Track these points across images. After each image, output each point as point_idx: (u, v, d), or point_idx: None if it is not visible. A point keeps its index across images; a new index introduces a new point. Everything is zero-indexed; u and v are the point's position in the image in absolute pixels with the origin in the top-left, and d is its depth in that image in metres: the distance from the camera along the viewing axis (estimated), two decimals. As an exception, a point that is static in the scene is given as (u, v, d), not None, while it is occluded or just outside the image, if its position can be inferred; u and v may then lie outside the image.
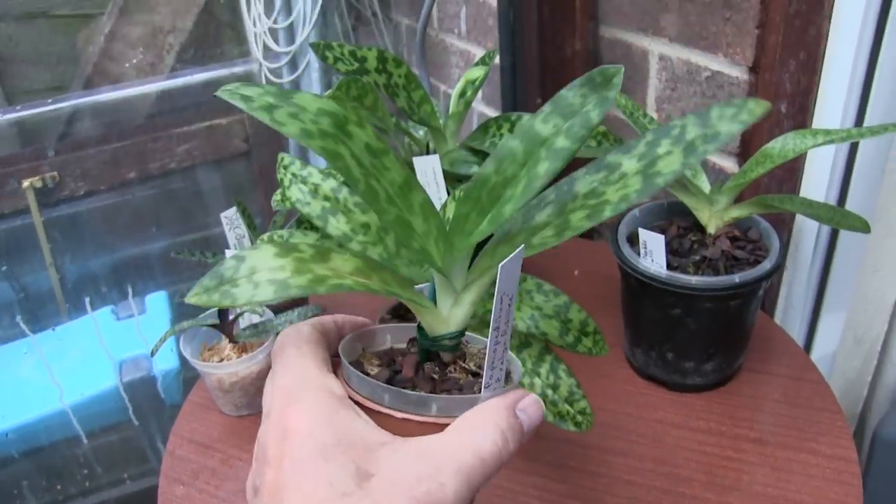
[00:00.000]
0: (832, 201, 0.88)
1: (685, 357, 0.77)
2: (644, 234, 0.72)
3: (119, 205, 1.55)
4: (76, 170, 1.53)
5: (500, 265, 0.36)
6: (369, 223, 0.74)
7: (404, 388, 0.41)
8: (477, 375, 0.43)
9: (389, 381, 0.42)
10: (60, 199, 1.53)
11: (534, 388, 0.60)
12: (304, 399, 0.38)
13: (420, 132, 0.93)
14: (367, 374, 0.42)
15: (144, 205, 1.56)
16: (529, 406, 0.39)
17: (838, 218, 0.77)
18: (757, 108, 0.39)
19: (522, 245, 0.38)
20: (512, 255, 0.37)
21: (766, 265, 0.72)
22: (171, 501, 0.73)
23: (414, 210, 0.42)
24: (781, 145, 0.74)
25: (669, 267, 0.73)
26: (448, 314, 0.44)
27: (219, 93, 0.39)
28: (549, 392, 0.61)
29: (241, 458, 0.78)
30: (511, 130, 0.82)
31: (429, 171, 0.81)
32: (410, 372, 0.43)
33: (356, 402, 0.40)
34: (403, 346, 0.47)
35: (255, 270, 0.38)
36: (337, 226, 0.73)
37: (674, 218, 0.81)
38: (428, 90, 1.34)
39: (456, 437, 0.37)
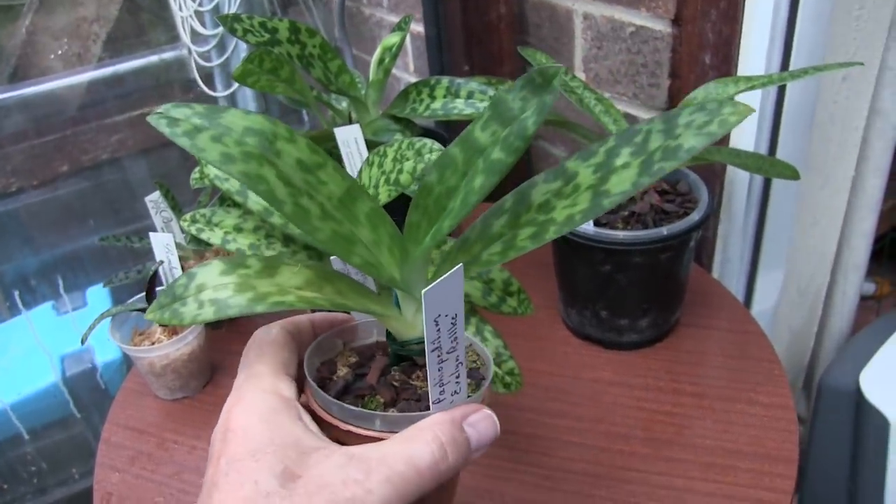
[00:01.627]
0: (763, 152, 0.87)
1: (619, 314, 0.76)
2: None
3: (51, 200, 1.51)
4: (6, 166, 1.49)
5: (423, 291, 0.35)
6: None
7: (364, 394, 0.41)
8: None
9: (349, 387, 0.42)
10: (-10, 196, 1.49)
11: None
12: (249, 399, 0.38)
13: (343, 104, 0.91)
14: (332, 377, 0.43)
15: (78, 198, 1.53)
16: (480, 421, 0.39)
17: (766, 166, 0.76)
18: (732, 117, 0.36)
19: (460, 265, 0.36)
20: (442, 279, 0.35)
21: (695, 216, 0.71)
22: (106, 489, 0.71)
23: (359, 221, 0.41)
24: (704, 94, 0.73)
25: (597, 224, 0.71)
26: (413, 319, 0.43)
27: (149, 119, 0.38)
28: (477, 355, 0.60)
29: (176, 440, 0.76)
30: (431, 96, 0.80)
31: (351, 141, 0.79)
32: (374, 378, 0.43)
33: (314, 410, 0.41)
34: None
35: (203, 288, 0.39)
36: (257, 200, 0.71)
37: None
38: (351, 62, 1.32)
39: (393, 447, 0.36)
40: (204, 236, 0.74)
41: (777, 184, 0.90)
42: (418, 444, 0.36)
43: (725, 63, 0.81)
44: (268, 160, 0.38)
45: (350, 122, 0.87)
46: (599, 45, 0.94)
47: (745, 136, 0.85)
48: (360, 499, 0.33)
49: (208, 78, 1.46)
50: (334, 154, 0.87)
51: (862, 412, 1.05)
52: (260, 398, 0.38)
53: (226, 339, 0.88)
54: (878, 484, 1.07)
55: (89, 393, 1.29)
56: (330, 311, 0.46)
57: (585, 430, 0.70)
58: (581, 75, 1.00)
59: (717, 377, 0.75)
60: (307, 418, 0.39)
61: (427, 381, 0.38)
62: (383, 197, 0.61)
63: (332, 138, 0.80)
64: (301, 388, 0.42)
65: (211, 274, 0.39)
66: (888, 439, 1.03)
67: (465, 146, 0.40)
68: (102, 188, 1.53)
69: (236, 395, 0.39)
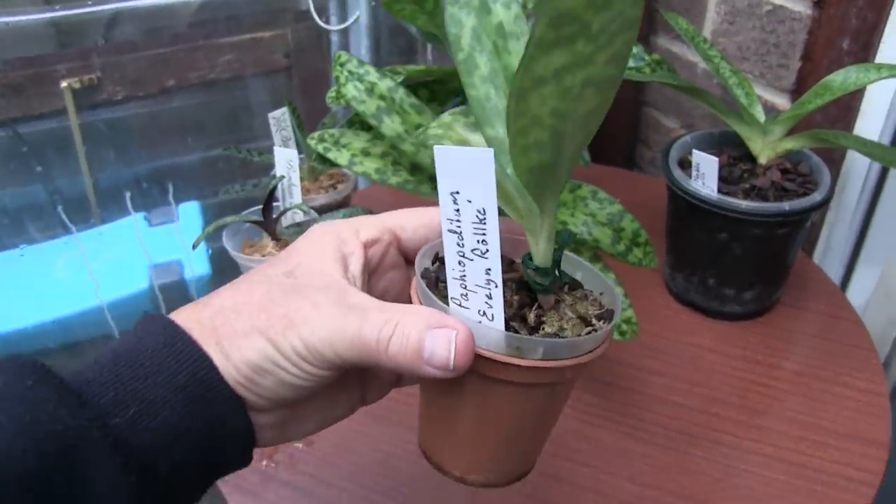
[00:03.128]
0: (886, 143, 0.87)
1: (727, 283, 0.77)
2: (698, 156, 0.72)
3: (157, 113, 1.55)
4: (115, 74, 1.52)
5: (436, 147, 0.33)
6: (423, 125, 0.74)
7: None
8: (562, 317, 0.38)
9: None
10: (98, 103, 1.53)
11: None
12: (313, 235, 0.40)
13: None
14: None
15: (182, 114, 1.57)
16: (439, 335, 0.34)
17: (892, 158, 0.76)
18: None
19: (490, 150, 0.32)
20: (467, 149, 0.32)
21: (817, 197, 0.72)
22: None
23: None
24: (843, 77, 0.73)
25: (719, 192, 0.73)
26: (538, 241, 0.38)
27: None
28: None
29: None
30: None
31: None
32: None
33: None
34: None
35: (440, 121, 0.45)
36: (391, 126, 0.74)
37: (724, 147, 0.81)
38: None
39: (370, 306, 0.35)
40: (331, 156, 0.76)
41: (892, 181, 0.90)
42: (380, 318, 0.34)
43: (864, 50, 0.81)
44: (477, 13, 0.39)
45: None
46: (732, 20, 0.94)
47: (872, 125, 0.85)
48: (304, 314, 0.34)
49: (322, 10, 1.48)
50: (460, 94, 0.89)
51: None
52: (321, 234, 0.39)
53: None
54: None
55: (178, 303, 1.33)
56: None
57: (682, 390, 0.72)
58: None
59: (813, 357, 0.76)
60: (355, 259, 0.39)
61: (522, 301, 0.36)
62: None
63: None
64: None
65: (449, 117, 0.46)
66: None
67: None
68: (207, 107, 1.57)
69: (328, 224, 0.40)
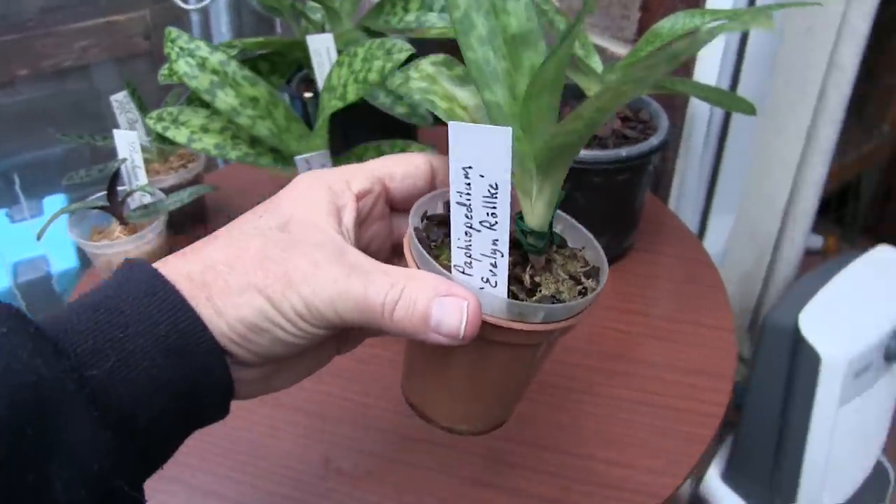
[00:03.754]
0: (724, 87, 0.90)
1: (575, 234, 0.78)
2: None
3: (9, 105, 1.48)
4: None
5: (451, 122, 0.32)
6: (258, 97, 0.73)
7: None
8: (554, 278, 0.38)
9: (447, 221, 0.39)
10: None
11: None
12: (314, 189, 0.38)
13: (318, 15, 0.91)
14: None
15: (38, 105, 1.50)
16: (449, 304, 0.34)
17: (727, 101, 0.79)
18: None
19: (508, 128, 0.31)
20: (479, 126, 0.32)
21: (653, 141, 0.74)
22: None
23: (520, 66, 0.38)
24: (672, 23, 0.74)
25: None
26: (535, 205, 0.38)
27: None
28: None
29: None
30: (405, 8, 0.81)
31: (322, 50, 0.80)
32: None
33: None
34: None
35: (417, 68, 0.45)
36: (225, 99, 0.72)
37: (569, 100, 0.82)
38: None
39: (373, 269, 0.35)
40: (169, 134, 0.74)
41: (735, 126, 0.93)
42: (385, 281, 0.34)
43: (695, -2, 0.83)
44: None
45: (324, 32, 0.87)
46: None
47: (708, 72, 0.87)
48: (303, 273, 0.34)
49: (178, -11, 1.44)
50: (303, 65, 0.88)
51: (798, 350, 1.10)
52: (312, 183, 0.38)
53: (188, 243, 0.89)
54: (804, 417, 1.13)
55: (43, 299, 1.28)
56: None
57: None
58: (556, 4, 1.01)
59: (666, 300, 0.78)
60: (349, 210, 0.38)
61: (516, 264, 0.36)
62: (351, 95, 0.62)
63: (304, 47, 0.81)
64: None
65: (427, 63, 0.44)
66: (818, 374, 1.08)
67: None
68: (64, 96, 1.51)
69: (316, 174, 0.39)
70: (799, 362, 1.10)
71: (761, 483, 1.27)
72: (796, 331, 1.10)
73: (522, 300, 0.36)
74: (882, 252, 1.22)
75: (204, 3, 1.41)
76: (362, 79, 0.62)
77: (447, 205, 0.40)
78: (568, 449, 0.64)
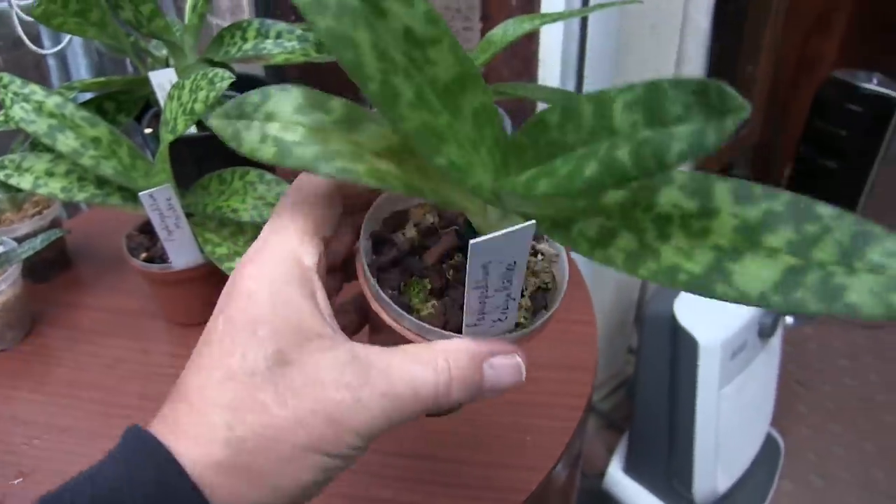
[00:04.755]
0: (570, 88, 0.92)
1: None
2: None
3: None
4: None
5: (471, 242, 0.30)
6: (99, 137, 0.72)
7: (413, 273, 0.37)
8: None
9: (402, 259, 0.38)
10: None
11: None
12: (262, 262, 0.34)
13: (163, 51, 0.90)
14: (393, 239, 0.38)
15: None
16: (503, 367, 0.34)
17: (563, 99, 0.81)
18: None
19: (532, 222, 0.31)
20: (498, 233, 0.31)
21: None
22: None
23: (462, 114, 0.33)
24: (503, 31, 0.77)
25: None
26: (496, 223, 0.35)
27: None
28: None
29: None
30: (243, 38, 0.81)
31: (166, 84, 0.79)
32: (433, 258, 0.37)
33: (357, 269, 0.37)
34: None
35: (272, 117, 0.34)
36: (66, 142, 0.71)
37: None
38: (171, 6, 1.29)
39: (401, 361, 0.33)
40: (13, 182, 0.73)
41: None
42: (427, 369, 0.32)
43: (530, 3, 0.86)
44: (367, 21, 0.30)
45: (167, 67, 0.86)
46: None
47: (552, 74, 0.90)
48: (348, 406, 0.31)
49: (35, 35, 1.40)
50: (151, 101, 0.87)
51: (676, 337, 1.14)
52: (276, 261, 0.33)
53: (50, 291, 0.87)
54: (690, 401, 1.16)
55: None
56: (396, 192, 0.37)
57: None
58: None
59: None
60: (321, 295, 0.34)
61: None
62: (181, 127, 0.62)
63: (147, 84, 0.80)
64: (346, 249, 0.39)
65: (286, 104, 0.34)
66: (697, 359, 1.11)
67: (599, 112, 0.29)
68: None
69: (255, 248, 0.35)
70: (678, 349, 1.14)
71: (659, 470, 1.30)
72: (673, 319, 1.13)
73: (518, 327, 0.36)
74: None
75: (60, 47, 1.38)
76: (189, 110, 0.62)
77: (388, 221, 0.39)
78: (434, 454, 0.64)
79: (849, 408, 1.71)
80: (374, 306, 0.35)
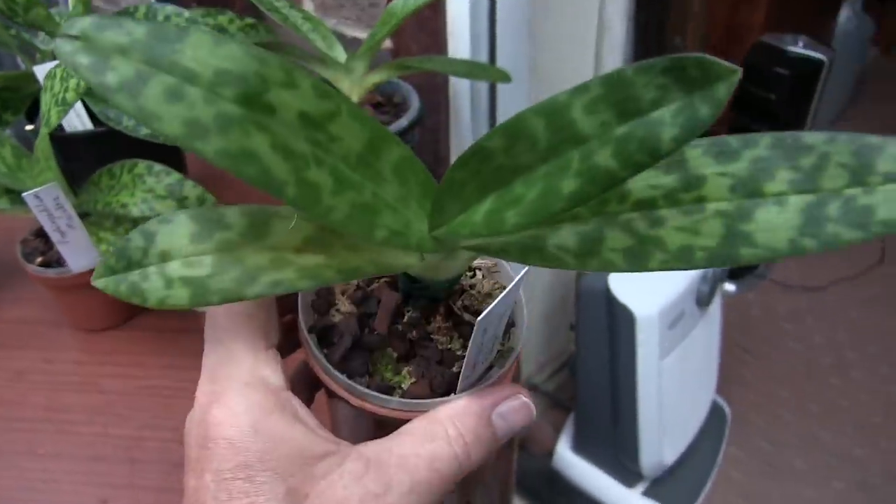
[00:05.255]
0: (483, 60, 0.90)
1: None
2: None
3: None
4: None
5: (479, 319, 0.29)
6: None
7: (373, 348, 0.34)
8: (473, 318, 0.35)
9: (357, 342, 0.34)
10: None
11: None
12: (230, 398, 0.30)
13: (51, 44, 0.85)
14: (332, 323, 0.35)
15: None
16: (512, 411, 0.33)
17: (477, 71, 0.78)
18: None
19: (525, 269, 0.29)
20: (499, 299, 0.29)
21: (403, 122, 0.72)
22: None
23: (384, 178, 0.30)
24: (403, 2, 0.73)
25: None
26: (440, 264, 0.33)
27: (58, 46, 0.25)
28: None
29: None
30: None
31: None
32: (384, 325, 0.35)
33: (317, 375, 0.34)
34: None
35: (168, 257, 0.30)
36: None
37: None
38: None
39: (412, 447, 0.31)
40: None
41: (502, 98, 0.93)
42: (440, 444, 0.31)
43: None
44: (257, 123, 0.26)
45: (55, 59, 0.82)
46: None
47: (462, 46, 0.87)
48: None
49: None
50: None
51: (613, 311, 1.12)
52: (243, 396, 0.30)
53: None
54: (631, 375, 1.15)
55: None
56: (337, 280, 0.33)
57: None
58: (309, 4, 0.99)
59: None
60: (304, 412, 0.32)
61: (453, 326, 0.33)
62: (54, 119, 0.58)
63: (34, 79, 0.76)
64: (289, 348, 0.36)
65: (177, 237, 0.30)
66: (635, 331, 1.10)
67: (554, 123, 0.26)
68: None
69: (210, 387, 0.31)
70: (616, 323, 1.12)
71: (606, 446, 1.29)
72: (607, 292, 1.12)
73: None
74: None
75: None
76: (61, 100, 0.58)
77: (317, 304, 0.36)
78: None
79: (794, 372, 1.72)
80: (356, 402, 0.33)
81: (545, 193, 0.27)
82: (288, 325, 0.36)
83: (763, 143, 0.27)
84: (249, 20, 0.80)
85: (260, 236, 0.30)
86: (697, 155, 0.28)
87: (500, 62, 0.90)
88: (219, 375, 0.31)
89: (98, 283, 0.30)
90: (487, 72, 0.78)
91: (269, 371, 0.31)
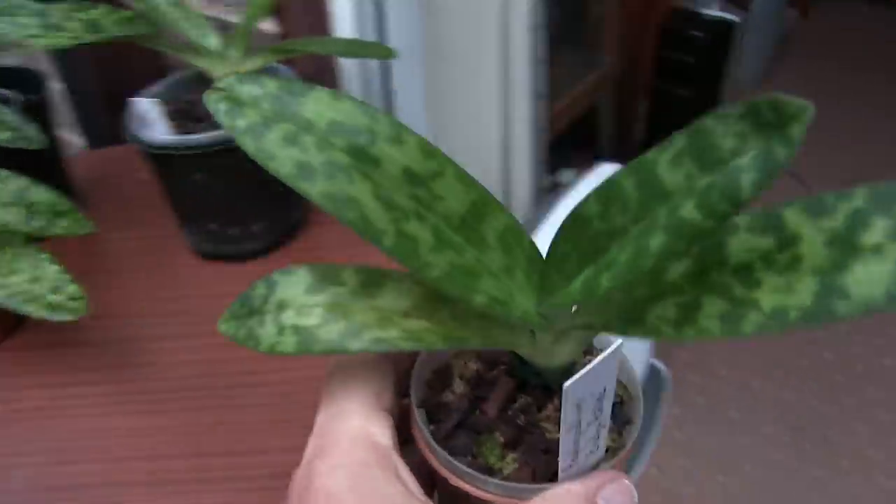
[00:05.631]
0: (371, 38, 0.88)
1: (226, 224, 0.73)
2: (138, 105, 0.67)
3: None
4: None
5: (565, 386, 0.28)
6: None
7: (481, 430, 0.34)
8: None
9: (464, 420, 0.34)
10: None
11: (10, 287, 0.54)
12: (335, 450, 0.31)
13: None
14: (445, 401, 0.35)
15: None
16: (616, 495, 0.31)
17: (356, 49, 0.76)
18: None
19: (619, 341, 0.29)
20: (591, 366, 0.28)
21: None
22: None
23: (487, 244, 0.31)
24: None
25: (178, 134, 0.68)
26: (550, 347, 0.33)
27: (207, 99, 0.29)
28: (35, 287, 0.55)
29: None
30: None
31: None
32: (494, 409, 0.34)
33: (420, 449, 0.33)
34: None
35: (284, 306, 0.31)
36: None
37: (201, 87, 0.76)
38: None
39: None
40: None
41: (398, 70, 0.91)
42: None
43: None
44: (362, 172, 0.28)
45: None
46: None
47: (347, 26, 0.84)
48: None
49: None
50: None
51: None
52: (348, 449, 0.31)
53: None
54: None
55: None
56: (444, 348, 0.35)
57: (201, 346, 0.68)
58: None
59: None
60: (406, 473, 0.31)
61: (559, 425, 0.32)
62: None
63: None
64: (403, 418, 0.35)
65: (295, 288, 0.32)
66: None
67: (642, 181, 0.28)
68: None
69: (319, 440, 0.32)
70: (536, 296, 1.11)
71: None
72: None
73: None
74: (602, 169, 1.24)
75: None
76: None
77: (432, 383, 0.36)
78: (232, 449, 0.60)
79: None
80: (454, 482, 0.32)
81: (636, 253, 0.27)
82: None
83: (859, 195, 0.25)
84: (127, 13, 0.76)
85: (370, 296, 0.31)
86: (793, 213, 0.27)
87: (393, 39, 0.88)
88: (327, 430, 0.32)
89: (222, 327, 0.33)
90: (368, 49, 0.76)
91: (377, 429, 0.31)
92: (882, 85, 2.45)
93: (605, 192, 0.28)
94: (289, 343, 0.31)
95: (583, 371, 0.28)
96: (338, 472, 0.30)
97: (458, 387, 0.36)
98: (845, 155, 2.12)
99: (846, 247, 0.25)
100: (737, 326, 0.27)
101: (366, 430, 0.31)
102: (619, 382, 0.36)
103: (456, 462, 0.32)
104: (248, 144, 0.28)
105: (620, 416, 0.35)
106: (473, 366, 0.37)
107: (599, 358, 0.28)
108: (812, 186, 1.56)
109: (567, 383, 0.28)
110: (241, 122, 0.28)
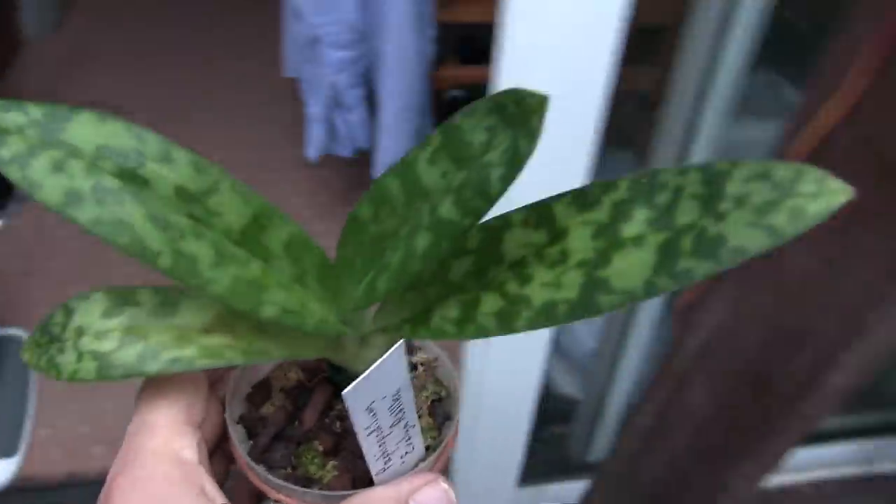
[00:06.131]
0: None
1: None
2: None
3: None
4: None
5: (343, 393, 0.27)
6: None
7: (300, 441, 0.33)
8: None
9: (282, 433, 0.34)
10: None
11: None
12: (135, 469, 0.29)
13: None
14: (262, 414, 0.34)
15: None
16: (430, 498, 0.30)
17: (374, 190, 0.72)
18: (811, 205, 0.22)
19: (401, 341, 0.28)
20: (369, 371, 0.27)
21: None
22: None
23: (273, 254, 0.31)
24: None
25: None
26: (359, 352, 0.33)
27: None
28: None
29: None
30: None
31: None
32: (312, 420, 0.34)
33: (239, 465, 0.33)
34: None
35: (82, 332, 0.30)
36: None
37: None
38: None
39: None
40: None
41: None
42: None
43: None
44: (133, 195, 0.28)
45: None
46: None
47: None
48: None
49: None
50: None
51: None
52: (149, 466, 0.29)
53: None
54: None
55: None
56: (243, 363, 0.33)
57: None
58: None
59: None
60: (212, 489, 0.30)
61: None
62: None
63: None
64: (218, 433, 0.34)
65: (91, 313, 0.30)
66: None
67: (405, 181, 0.28)
68: None
69: (123, 456, 0.30)
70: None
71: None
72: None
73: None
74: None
75: None
76: None
77: (252, 397, 0.35)
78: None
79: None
80: (274, 496, 0.32)
81: (405, 255, 0.27)
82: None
83: (622, 182, 0.26)
84: None
85: (168, 315, 0.30)
86: (563, 206, 0.27)
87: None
88: (131, 445, 0.30)
89: (24, 357, 0.31)
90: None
91: (184, 442, 0.30)
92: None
93: (375, 194, 0.29)
94: (89, 370, 0.29)
95: (361, 377, 0.27)
96: (137, 491, 0.28)
97: (278, 399, 0.35)
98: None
99: (610, 239, 0.25)
100: (510, 323, 0.27)
101: (170, 444, 0.30)
102: (436, 380, 0.36)
103: (271, 476, 0.31)
104: (14, 174, 0.26)
105: (440, 412, 0.35)
106: (295, 376, 0.36)
107: (378, 362, 0.27)
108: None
109: (345, 391, 0.27)
110: (5, 152, 0.26)
